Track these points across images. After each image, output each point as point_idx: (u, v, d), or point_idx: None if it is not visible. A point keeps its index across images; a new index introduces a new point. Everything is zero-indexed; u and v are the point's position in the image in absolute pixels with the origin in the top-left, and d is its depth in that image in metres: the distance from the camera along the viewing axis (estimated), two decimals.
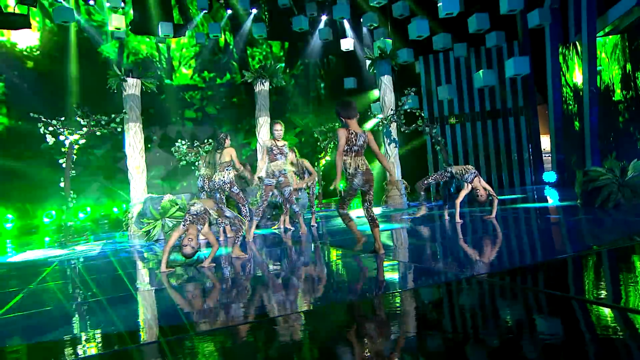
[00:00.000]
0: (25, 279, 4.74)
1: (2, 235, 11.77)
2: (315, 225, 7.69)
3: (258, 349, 2.21)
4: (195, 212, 4.43)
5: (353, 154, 4.05)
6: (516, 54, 13.91)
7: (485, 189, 6.22)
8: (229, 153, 6.52)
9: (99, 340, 2.53)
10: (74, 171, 8.46)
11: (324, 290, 3.35)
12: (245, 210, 6.55)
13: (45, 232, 12.00)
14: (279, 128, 6.55)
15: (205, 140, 10.32)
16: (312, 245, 5.63)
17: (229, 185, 6.47)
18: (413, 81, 15.84)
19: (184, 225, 4.36)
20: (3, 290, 4.27)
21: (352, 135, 4.03)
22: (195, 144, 10.18)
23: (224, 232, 6.98)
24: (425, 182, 6.98)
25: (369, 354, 1.99)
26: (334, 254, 4.89)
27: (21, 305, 3.49)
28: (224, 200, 6.72)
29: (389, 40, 12.71)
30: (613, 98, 11.03)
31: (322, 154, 12.51)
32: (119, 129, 8.72)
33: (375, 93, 16.18)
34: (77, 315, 3.16)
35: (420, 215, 7.20)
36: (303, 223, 6.76)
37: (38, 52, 13.74)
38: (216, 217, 4.64)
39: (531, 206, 8.18)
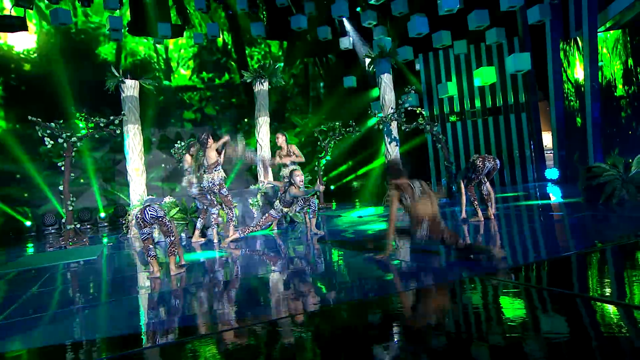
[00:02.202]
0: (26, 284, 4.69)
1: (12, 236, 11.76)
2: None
3: (265, 350, 2.15)
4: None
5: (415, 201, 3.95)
6: (517, 51, 13.82)
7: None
8: (214, 150, 6.15)
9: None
10: (73, 174, 8.40)
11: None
12: (232, 214, 6.40)
13: (45, 235, 11.96)
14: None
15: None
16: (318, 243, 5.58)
17: (218, 187, 6.22)
18: (413, 79, 15.82)
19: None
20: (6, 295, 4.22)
21: (408, 189, 3.94)
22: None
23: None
24: (473, 183, 5.92)
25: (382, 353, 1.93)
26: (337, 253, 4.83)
27: (24, 308, 3.44)
28: (215, 202, 6.52)
29: (389, 38, 12.64)
30: (615, 93, 10.95)
31: (323, 154, 12.43)
32: (118, 131, 8.66)
33: (375, 92, 16.11)
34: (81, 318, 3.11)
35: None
36: (308, 220, 6.70)
37: (35, 55, 13.69)
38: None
39: (534, 203, 8.10)
